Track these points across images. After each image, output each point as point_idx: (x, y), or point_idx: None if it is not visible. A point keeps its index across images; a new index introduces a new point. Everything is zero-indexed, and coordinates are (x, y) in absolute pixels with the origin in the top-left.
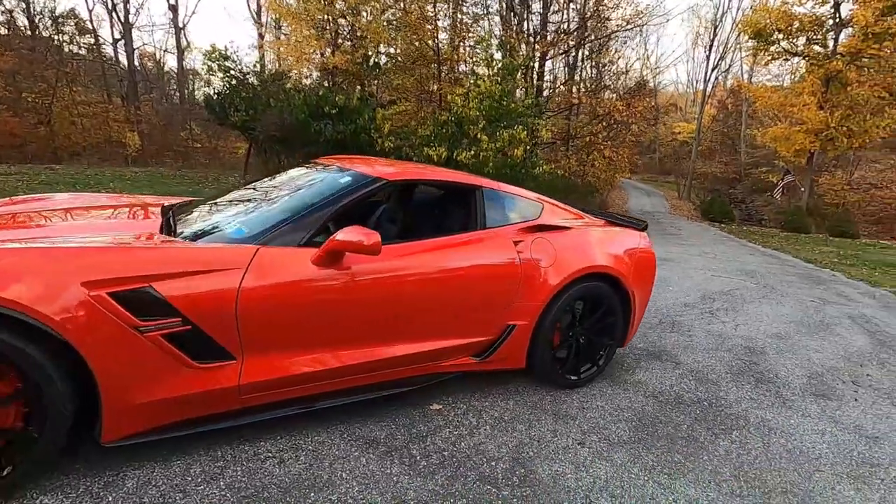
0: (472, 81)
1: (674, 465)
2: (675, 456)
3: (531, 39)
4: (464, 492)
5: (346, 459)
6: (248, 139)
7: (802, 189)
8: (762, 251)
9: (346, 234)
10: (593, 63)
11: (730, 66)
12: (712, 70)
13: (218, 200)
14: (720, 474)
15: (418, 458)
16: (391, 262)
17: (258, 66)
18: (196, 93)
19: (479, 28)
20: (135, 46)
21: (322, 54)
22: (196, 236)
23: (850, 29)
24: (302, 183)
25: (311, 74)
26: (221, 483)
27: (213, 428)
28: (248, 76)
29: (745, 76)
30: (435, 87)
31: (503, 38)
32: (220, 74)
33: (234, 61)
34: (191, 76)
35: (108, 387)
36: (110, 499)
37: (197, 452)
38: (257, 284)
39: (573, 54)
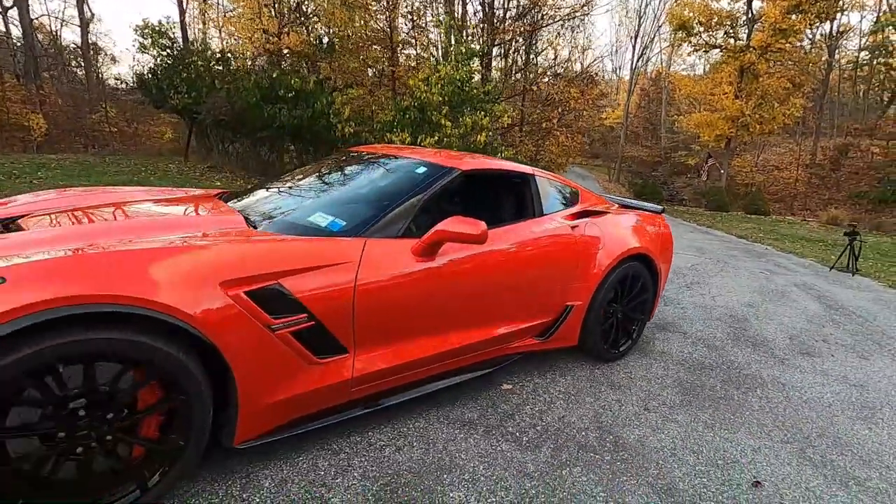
0: (431, 66)
1: (727, 421)
2: (724, 413)
3: (482, 27)
4: (573, 460)
5: (454, 441)
6: (191, 123)
7: (722, 171)
8: (699, 229)
9: (453, 225)
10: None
11: (648, 57)
12: (637, 59)
13: (269, 193)
14: (765, 426)
15: (518, 434)
16: (478, 250)
17: (200, 44)
18: (104, 70)
19: (428, 13)
20: (32, 17)
21: (274, 35)
22: (287, 230)
23: (761, 24)
24: (371, 175)
25: (258, 56)
26: (355, 473)
27: (328, 423)
28: (188, 55)
29: (665, 66)
30: (390, 70)
31: (457, 23)
32: (155, 52)
33: (170, 38)
34: (96, 52)
35: (244, 388)
36: (256, 500)
37: (313, 448)
38: (369, 277)
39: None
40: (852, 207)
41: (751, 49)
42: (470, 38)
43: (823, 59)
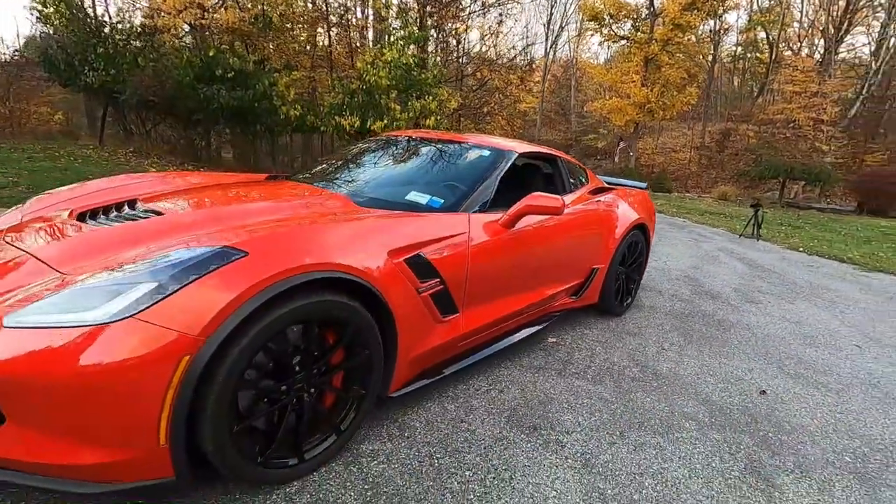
0: (376, 49)
1: (723, 353)
2: (718, 347)
3: (421, 11)
4: (633, 388)
5: (539, 382)
6: (106, 104)
7: (631, 154)
8: None
9: (536, 199)
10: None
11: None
12: (550, 46)
13: (335, 176)
14: (748, 353)
15: (581, 373)
16: (542, 221)
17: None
18: None
19: None
20: None
21: (206, 10)
22: (392, 208)
23: (661, 19)
24: (437, 157)
25: (185, 33)
26: (480, 411)
27: (445, 375)
28: (104, 28)
29: (573, 54)
30: (327, 52)
31: (400, 6)
32: (58, 22)
33: (78, 7)
34: None
35: (402, 344)
36: (416, 437)
37: (435, 398)
38: (475, 246)
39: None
40: (736, 184)
41: (654, 41)
42: (411, 22)
43: (709, 53)
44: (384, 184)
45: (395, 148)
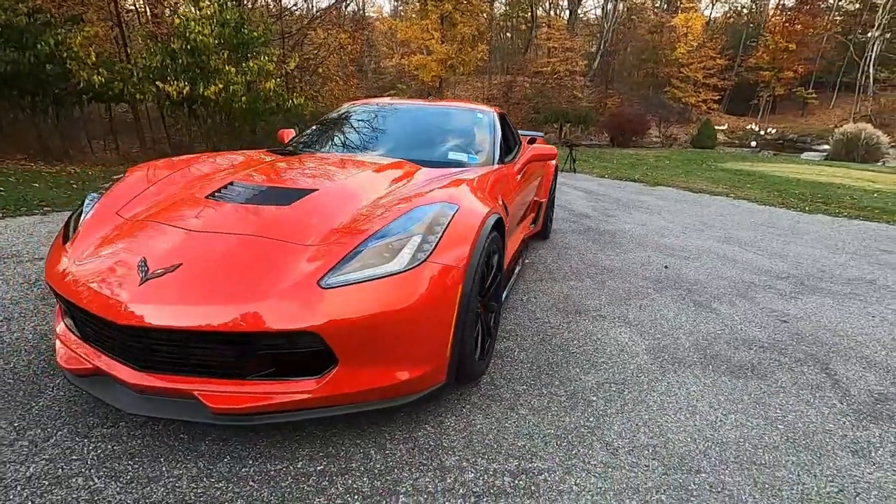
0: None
1: (625, 249)
2: (620, 247)
3: None
4: (603, 279)
5: (552, 289)
6: None
7: None
8: None
9: (538, 150)
10: None
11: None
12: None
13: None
14: (639, 246)
15: (565, 278)
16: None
17: None
18: None
19: None
20: None
21: None
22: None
23: None
24: (443, 120)
25: None
26: (542, 300)
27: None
28: None
29: (363, 10)
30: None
31: None
32: None
33: None
34: None
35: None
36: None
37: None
38: (510, 187)
39: None
40: (526, 128)
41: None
42: None
43: (487, 11)
44: (414, 148)
45: (388, 116)
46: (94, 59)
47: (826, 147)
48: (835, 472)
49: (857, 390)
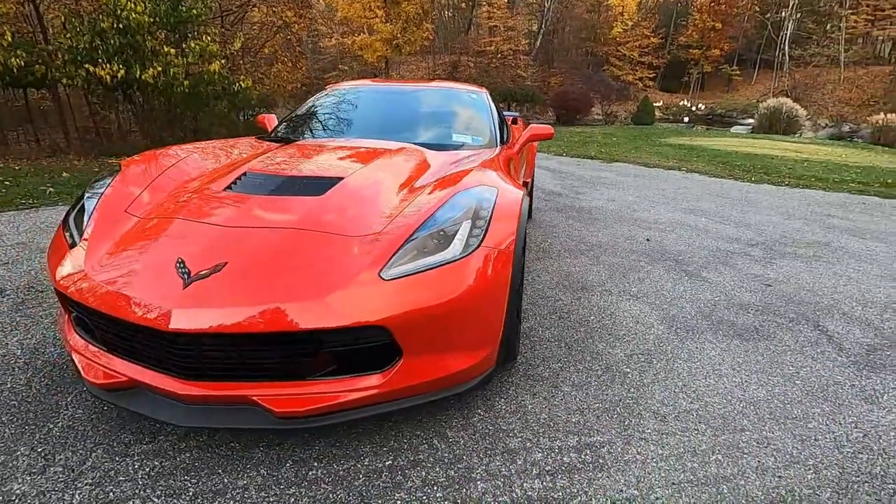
0: None
1: (607, 225)
2: (601, 223)
3: None
4: (597, 254)
5: (560, 266)
6: None
7: None
8: None
9: (537, 129)
10: None
11: None
12: None
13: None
14: (617, 221)
15: (563, 254)
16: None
17: None
18: None
19: None
20: None
21: None
22: (449, 149)
23: None
24: (437, 103)
25: None
26: (544, 279)
27: None
28: None
29: None
30: None
31: None
32: None
33: None
34: None
35: None
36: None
37: None
38: (513, 166)
39: None
40: None
41: None
42: None
43: None
44: (413, 131)
45: (378, 98)
46: (10, 39)
47: (750, 121)
48: (855, 419)
49: (850, 344)
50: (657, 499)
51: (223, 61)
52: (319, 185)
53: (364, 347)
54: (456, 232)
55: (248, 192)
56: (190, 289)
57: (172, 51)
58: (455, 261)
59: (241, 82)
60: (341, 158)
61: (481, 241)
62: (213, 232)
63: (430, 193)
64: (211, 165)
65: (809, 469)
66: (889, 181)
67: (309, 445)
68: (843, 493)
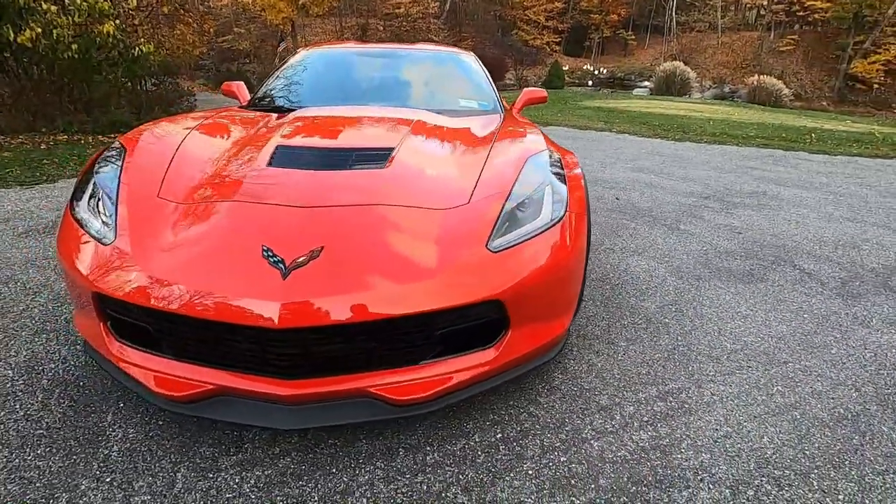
0: None
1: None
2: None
3: None
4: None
5: None
6: None
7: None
8: None
9: (533, 93)
10: None
11: None
12: None
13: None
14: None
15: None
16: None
17: None
18: None
19: None
20: None
21: None
22: (459, 115)
23: None
24: (430, 67)
25: None
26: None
27: None
28: None
29: None
30: None
31: None
32: None
33: None
34: None
35: None
36: None
37: None
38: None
39: None
40: None
41: None
42: None
43: None
44: (415, 96)
45: (368, 63)
46: None
47: (647, 84)
48: (861, 341)
49: (826, 278)
50: (749, 432)
51: (117, 21)
52: (373, 156)
53: (472, 324)
54: (542, 197)
55: (296, 166)
56: (290, 279)
57: (53, 8)
58: (552, 226)
59: (142, 47)
60: (372, 126)
61: (566, 205)
62: (292, 214)
63: (496, 160)
64: (220, 141)
65: (851, 388)
66: (783, 135)
67: (410, 432)
68: (884, 405)
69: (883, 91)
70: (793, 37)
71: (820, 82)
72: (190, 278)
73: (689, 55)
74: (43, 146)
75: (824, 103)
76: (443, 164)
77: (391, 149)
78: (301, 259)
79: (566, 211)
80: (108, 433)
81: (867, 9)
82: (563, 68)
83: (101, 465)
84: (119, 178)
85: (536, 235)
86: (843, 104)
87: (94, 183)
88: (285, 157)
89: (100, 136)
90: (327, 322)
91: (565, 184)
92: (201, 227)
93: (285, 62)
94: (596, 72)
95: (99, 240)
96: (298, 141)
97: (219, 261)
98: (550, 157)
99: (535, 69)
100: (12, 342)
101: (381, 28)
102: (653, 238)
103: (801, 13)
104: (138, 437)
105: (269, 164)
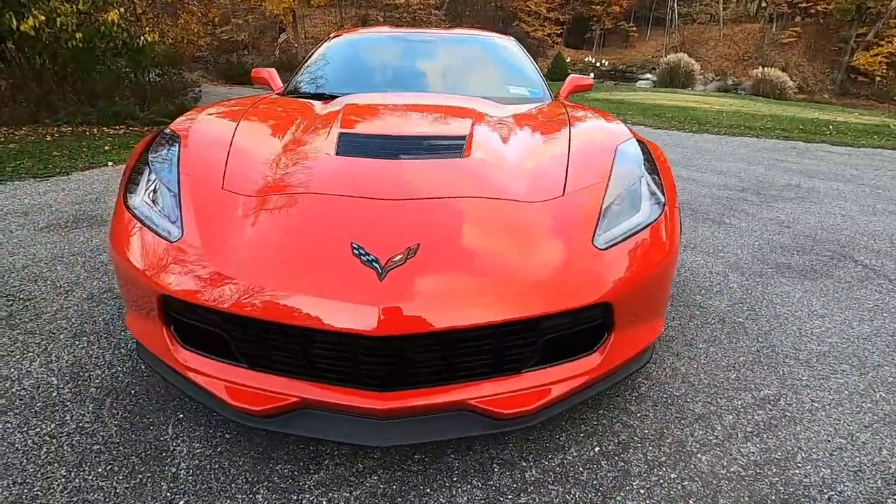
0: None
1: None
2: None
3: None
4: None
5: None
6: None
7: (295, 45)
8: None
9: (578, 80)
10: None
11: None
12: None
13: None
14: None
15: None
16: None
17: None
18: None
19: None
20: None
21: None
22: (516, 102)
23: None
24: (469, 54)
25: None
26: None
27: None
28: None
29: None
30: None
31: None
32: None
33: None
34: None
35: None
36: None
37: None
38: None
39: None
40: None
41: None
42: None
43: None
44: (463, 84)
45: (409, 48)
46: None
47: (649, 76)
48: None
49: (893, 274)
50: (864, 443)
51: (121, 10)
52: (447, 145)
53: (581, 328)
54: (637, 189)
55: (365, 156)
56: (387, 280)
57: None
58: (654, 222)
59: (147, 36)
60: (434, 114)
61: (664, 198)
62: (379, 207)
63: (581, 149)
64: (274, 130)
65: None
66: (801, 127)
67: (501, 447)
68: None
69: (885, 84)
70: (795, 28)
71: (822, 75)
72: (272, 279)
73: (691, 47)
74: (48, 138)
75: (826, 96)
76: (522, 153)
77: (462, 137)
78: (397, 258)
79: (665, 205)
80: (171, 448)
81: (870, 0)
82: (566, 60)
83: (171, 485)
84: (178, 168)
85: (640, 231)
86: (846, 97)
87: (150, 173)
88: (351, 146)
89: (105, 128)
90: (430, 329)
91: (658, 175)
92: (277, 222)
93: (317, 49)
94: (598, 64)
95: (164, 236)
96: (361, 128)
97: (303, 260)
98: (641, 146)
99: (538, 62)
100: (51, 346)
101: (382, 19)
102: (700, 232)
103: (803, 4)
104: (206, 454)
105: (337, 153)
